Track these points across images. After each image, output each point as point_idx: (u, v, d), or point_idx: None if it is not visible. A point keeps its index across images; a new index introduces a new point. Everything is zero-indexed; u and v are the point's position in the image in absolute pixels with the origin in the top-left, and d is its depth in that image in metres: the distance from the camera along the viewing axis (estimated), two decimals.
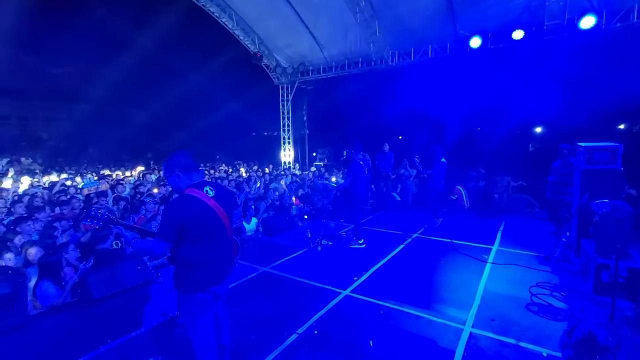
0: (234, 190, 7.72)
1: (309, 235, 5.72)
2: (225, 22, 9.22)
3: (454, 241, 5.88)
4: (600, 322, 2.98)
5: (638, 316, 3.24)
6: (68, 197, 6.01)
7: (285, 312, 3.70)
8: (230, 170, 10.46)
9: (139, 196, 6.43)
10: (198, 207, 2.08)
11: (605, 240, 3.71)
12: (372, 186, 8.29)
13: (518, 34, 7.36)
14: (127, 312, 3.69)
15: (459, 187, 8.30)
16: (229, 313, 2.57)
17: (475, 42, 7.79)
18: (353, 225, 5.76)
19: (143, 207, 5.53)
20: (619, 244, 3.48)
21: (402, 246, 5.78)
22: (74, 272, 4.00)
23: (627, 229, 3.65)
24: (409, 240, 6.11)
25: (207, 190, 2.16)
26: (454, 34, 8.13)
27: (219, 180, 8.11)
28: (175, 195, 2.22)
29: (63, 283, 3.88)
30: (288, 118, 11.68)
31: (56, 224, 4.69)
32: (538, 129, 11.49)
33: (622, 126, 9.84)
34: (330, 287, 4.24)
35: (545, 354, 2.93)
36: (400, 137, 13.04)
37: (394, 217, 7.83)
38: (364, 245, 5.68)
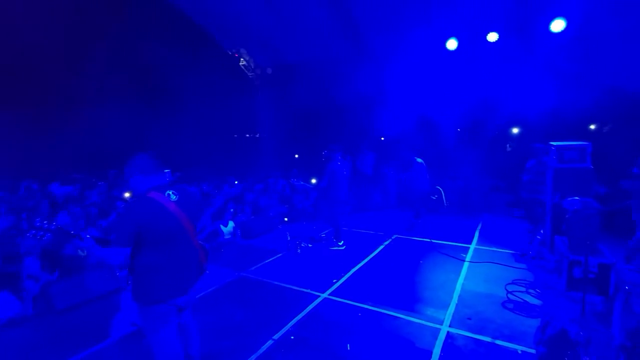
0: (214, 191, 7.54)
1: (289, 238, 5.63)
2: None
3: (433, 241, 5.92)
4: (572, 317, 3.03)
5: (608, 310, 3.31)
6: (35, 202, 5.69)
7: (261, 318, 3.60)
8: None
9: (111, 200, 6.17)
10: (156, 211, 1.97)
11: (576, 237, 3.80)
12: (353, 187, 8.28)
13: (493, 37, 7.52)
14: (93, 323, 3.50)
15: (437, 187, 8.40)
16: (201, 321, 2.45)
17: (451, 44, 7.92)
18: (333, 227, 5.70)
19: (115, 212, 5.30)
20: (589, 240, 3.56)
21: (382, 247, 5.76)
22: (35, 282, 3.77)
23: (595, 226, 3.75)
24: (389, 240, 6.11)
25: (169, 194, 2.06)
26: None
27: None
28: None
29: (23, 294, 3.65)
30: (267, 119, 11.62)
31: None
32: (515, 130, 11.80)
33: (592, 126, 10.23)
34: (308, 291, 4.17)
35: (520, 351, 2.95)
36: (382, 139, 13.14)
37: (375, 217, 7.83)
38: (344, 247, 5.63)
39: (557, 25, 6.90)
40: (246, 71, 10.84)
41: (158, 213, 1.97)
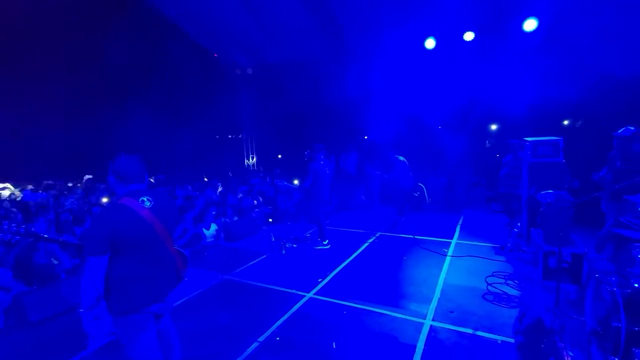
0: (197, 193, 7.41)
1: (273, 239, 5.60)
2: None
3: (416, 237, 6.02)
4: (547, 306, 3.14)
5: (581, 298, 3.45)
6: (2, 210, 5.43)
7: (245, 320, 3.56)
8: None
9: (87, 206, 5.96)
10: (129, 219, 1.91)
11: (550, 229, 3.94)
12: (336, 186, 8.32)
13: (469, 36, 7.71)
14: (69, 334, 3.36)
15: (420, 184, 8.55)
16: (185, 325, 2.40)
17: (429, 43, 8.07)
18: (317, 226, 5.71)
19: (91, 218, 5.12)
20: (562, 232, 3.70)
21: (366, 245, 5.81)
22: (6, 294, 3.60)
23: (568, 218, 3.90)
24: (373, 238, 6.17)
25: (143, 201, 1.99)
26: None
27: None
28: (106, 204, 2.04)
29: None
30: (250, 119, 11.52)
31: None
32: (494, 127, 12.11)
33: (566, 122, 10.62)
34: (294, 291, 4.15)
35: (499, 341, 3.03)
36: (365, 137, 13.26)
37: (359, 215, 7.89)
38: (328, 246, 5.64)
39: (530, 24, 7.14)
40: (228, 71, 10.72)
41: (129, 220, 1.91)
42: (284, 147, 13.27)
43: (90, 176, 8.04)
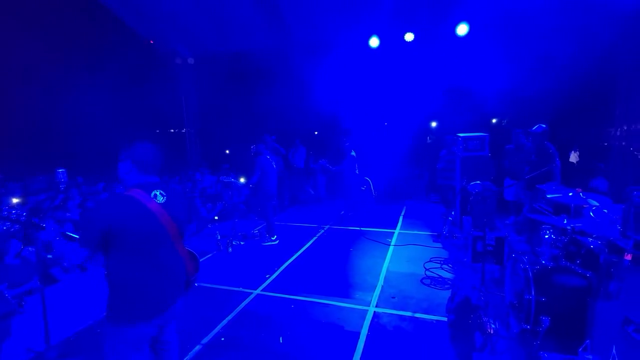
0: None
1: (219, 237, 5.40)
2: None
3: (362, 229, 6.25)
4: (474, 285, 3.47)
5: (502, 276, 3.88)
6: None
7: (189, 323, 3.38)
8: None
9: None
10: (135, 211, 1.68)
11: (478, 216, 4.35)
12: (286, 181, 8.29)
13: (409, 37, 8.12)
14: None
15: (366, 177, 8.86)
16: None
17: (373, 41, 8.34)
18: (265, 222, 5.63)
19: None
20: (487, 218, 4.11)
21: (314, 238, 5.89)
22: None
23: (493, 206, 4.34)
24: (322, 231, 6.28)
25: (156, 195, 1.78)
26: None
27: None
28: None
29: None
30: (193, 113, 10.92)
31: None
32: (434, 124, 12.92)
33: (494, 120, 11.73)
34: (240, 289, 4.06)
35: (435, 321, 3.28)
36: (316, 133, 13.37)
37: (308, 210, 7.96)
38: (277, 242, 5.61)
39: (462, 29, 7.73)
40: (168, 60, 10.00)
41: (136, 213, 1.68)
42: (231, 142, 12.86)
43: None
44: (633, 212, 1.95)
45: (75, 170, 7.69)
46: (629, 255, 1.90)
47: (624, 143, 6.47)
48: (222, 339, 3.12)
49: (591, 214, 2.97)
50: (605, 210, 2.86)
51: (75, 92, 8.86)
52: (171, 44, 9.66)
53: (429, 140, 12.79)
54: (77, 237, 1.65)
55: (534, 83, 6.87)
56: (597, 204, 2.85)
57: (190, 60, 9.70)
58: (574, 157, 6.13)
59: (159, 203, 1.77)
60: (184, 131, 13.51)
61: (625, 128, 6.42)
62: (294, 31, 8.97)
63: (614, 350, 1.78)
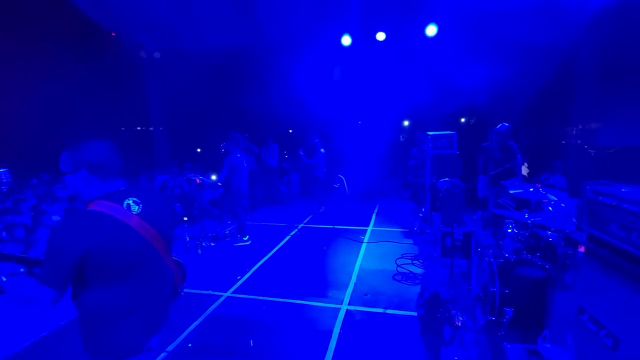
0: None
1: (188, 239, 5.20)
2: None
3: (336, 227, 6.25)
4: (442, 280, 3.55)
5: (469, 270, 4.00)
6: None
7: None
8: None
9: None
10: (110, 232, 1.34)
11: (446, 212, 4.46)
12: (259, 180, 8.15)
13: (381, 36, 8.22)
14: None
15: (340, 175, 8.90)
16: (75, 347, 1.97)
17: (345, 40, 8.37)
18: (236, 222, 5.49)
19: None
20: (455, 214, 4.22)
21: (288, 238, 5.82)
22: None
23: (460, 202, 4.47)
24: (295, 230, 6.22)
25: (129, 205, 1.43)
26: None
27: None
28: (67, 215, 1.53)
29: None
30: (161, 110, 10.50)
31: None
32: (406, 122, 13.18)
33: (462, 119, 12.15)
34: (209, 292, 3.92)
35: (405, 316, 3.32)
36: (290, 131, 13.26)
37: (282, 209, 7.87)
38: (249, 242, 5.49)
39: (431, 30, 7.92)
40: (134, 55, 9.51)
41: (110, 234, 1.34)
42: (203, 140, 12.47)
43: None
44: (586, 206, 2.05)
45: (28, 171, 7.16)
46: (583, 247, 2.00)
47: (579, 141, 6.90)
48: (189, 344, 2.99)
49: (550, 208, 3.12)
50: (563, 205, 3.01)
51: (23, 86, 8.21)
52: (136, 38, 9.20)
53: (401, 139, 13.04)
54: (39, 273, 1.31)
55: (500, 84, 7.16)
56: (556, 199, 2.99)
57: (156, 55, 9.28)
58: (524, 170, 6.46)
59: (135, 213, 1.43)
60: (151, 129, 12.96)
61: (580, 127, 6.85)
62: (266, 28, 8.82)
63: (569, 339, 1.86)
